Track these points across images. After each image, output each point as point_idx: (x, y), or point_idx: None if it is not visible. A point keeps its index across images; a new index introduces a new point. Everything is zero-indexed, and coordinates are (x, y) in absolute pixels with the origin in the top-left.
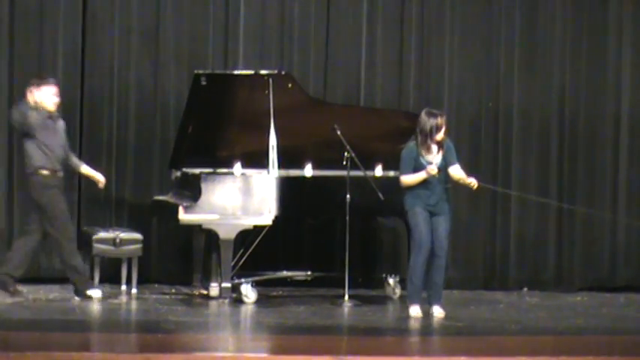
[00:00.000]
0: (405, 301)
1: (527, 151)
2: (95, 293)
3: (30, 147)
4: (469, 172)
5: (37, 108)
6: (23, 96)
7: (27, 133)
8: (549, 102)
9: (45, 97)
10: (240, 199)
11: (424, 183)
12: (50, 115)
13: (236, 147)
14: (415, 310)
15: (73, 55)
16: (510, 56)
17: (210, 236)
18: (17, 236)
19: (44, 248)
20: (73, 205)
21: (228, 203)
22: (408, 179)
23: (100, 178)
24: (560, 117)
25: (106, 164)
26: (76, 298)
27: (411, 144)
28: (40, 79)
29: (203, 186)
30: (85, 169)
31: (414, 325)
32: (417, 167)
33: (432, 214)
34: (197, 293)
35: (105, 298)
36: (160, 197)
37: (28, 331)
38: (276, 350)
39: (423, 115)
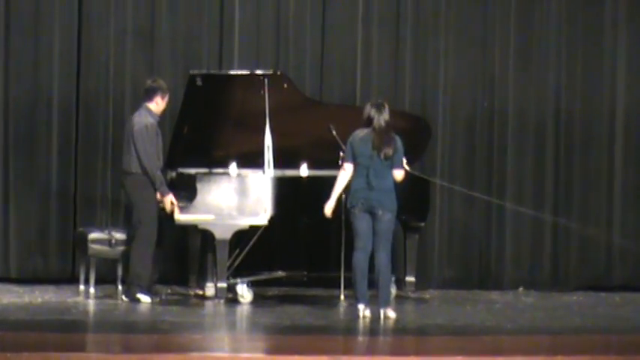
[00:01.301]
0: (401, 301)
1: (523, 151)
2: (144, 298)
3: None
4: (464, 173)
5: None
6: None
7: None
8: (545, 102)
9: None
10: (236, 199)
11: None
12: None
13: (231, 147)
14: None
15: (68, 55)
16: (505, 56)
17: (205, 236)
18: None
19: (40, 249)
20: (69, 205)
21: (224, 203)
22: (402, 175)
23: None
24: (556, 117)
25: (102, 164)
26: (124, 298)
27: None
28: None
29: (199, 186)
30: None
31: (411, 325)
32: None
33: None
34: (193, 293)
35: (154, 303)
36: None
37: (24, 331)
38: (272, 350)
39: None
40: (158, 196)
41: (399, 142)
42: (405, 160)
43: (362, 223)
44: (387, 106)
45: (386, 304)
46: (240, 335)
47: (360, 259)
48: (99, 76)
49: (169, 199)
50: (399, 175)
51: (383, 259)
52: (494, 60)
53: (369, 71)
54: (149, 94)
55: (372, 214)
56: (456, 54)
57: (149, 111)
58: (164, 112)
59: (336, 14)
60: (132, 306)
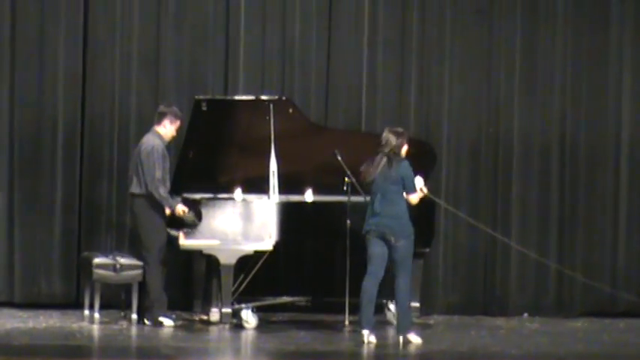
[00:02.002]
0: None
1: (528, 176)
2: (167, 321)
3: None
4: (469, 198)
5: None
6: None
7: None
8: (550, 127)
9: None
10: (241, 224)
11: None
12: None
13: (237, 172)
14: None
15: (73, 80)
16: (510, 81)
17: (210, 261)
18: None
19: (44, 274)
20: (73, 229)
21: (229, 228)
22: (417, 199)
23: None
24: (561, 142)
25: (107, 189)
26: (147, 323)
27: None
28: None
29: (204, 211)
30: None
31: (415, 351)
32: None
33: None
34: (198, 319)
35: (176, 326)
36: None
37: (28, 356)
38: None
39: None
40: (169, 211)
41: (403, 166)
42: (421, 182)
43: (374, 249)
44: (388, 134)
45: (405, 330)
46: None
47: (368, 284)
48: (104, 100)
49: (180, 209)
50: (412, 199)
51: (400, 285)
52: (499, 85)
53: (375, 96)
54: (159, 118)
55: (385, 240)
56: (461, 79)
57: (157, 134)
58: (173, 138)
59: (342, 39)
60: (136, 331)
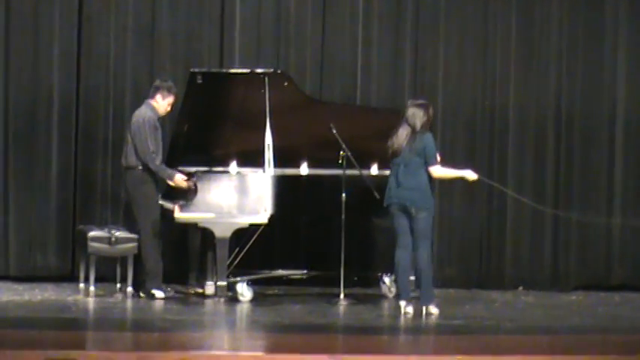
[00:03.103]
0: (399, 307)
1: (523, 150)
2: (159, 293)
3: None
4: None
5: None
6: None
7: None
8: (545, 101)
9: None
10: (236, 197)
11: None
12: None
13: (232, 146)
14: None
15: (68, 54)
16: (506, 56)
17: (205, 235)
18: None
19: (40, 247)
20: (68, 203)
21: (224, 202)
22: (447, 172)
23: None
24: (556, 116)
25: (102, 162)
26: (141, 294)
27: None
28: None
29: (199, 184)
30: None
31: (409, 324)
32: None
33: None
34: (193, 292)
35: (168, 297)
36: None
37: (23, 329)
38: (271, 349)
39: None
40: (171, 183)
41: (426, 138)
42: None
43: (399, 221)
44: (414, 107)
45: (427, 301)
46: (239, 333)
47: (400, 256)
48: (99, 73)
49: (180, 179)
50: (433, 172)
51: (421, 257)
52: (495, 59)
53: (370, 70)
54: (153, 92)
55: (407, 212)
56: (457, 53)
57: (150, 106)
58: (167, 113)
59: (337, 12)
60: (131, 304)
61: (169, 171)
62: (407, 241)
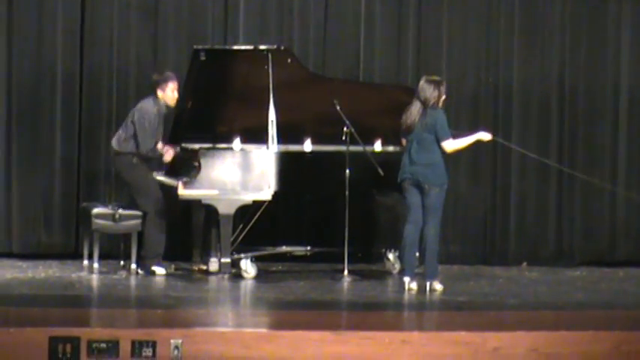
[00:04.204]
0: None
1: (527, 126)
2: (159, 270)
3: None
4: (468, 150)
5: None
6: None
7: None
8: (549, 77)
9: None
10: (240, 174)
11: None
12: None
13: (235, 122)
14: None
15: (72, 31)
16: (510, 31)
17: (209, 211)
18: None
19: (44, 224)
20: (72, 180)
21: (228, 178)
22: (461, 143)
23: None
24: (560, 92)
25: (106, 139)
26: (139, 271)
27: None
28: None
29: (202, 161)
30: None
31: (413, 299)
32: None
33: None
34: (197, 268)
35: (168, 274)
36: (159, 177)
37: (27, 306)
38: (275, 325)
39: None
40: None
41: (436, 114)
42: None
43: (411, 197)
44: (425, 83)
45: (431, 277)
46: (244, 310)
47: (409, 231)
48: (102, 51)
49: (165, 150)
50: (445, 147)
51: (428, 232)
52: (499, 36)
53: (372, 46)
54: (153, 87)
55: (419, 187)
56: (460, 29)
57: (155, 99)
58: (175, 98)
59: None
60: (135, 281)
61: (158, 151)
62: (417, 216)
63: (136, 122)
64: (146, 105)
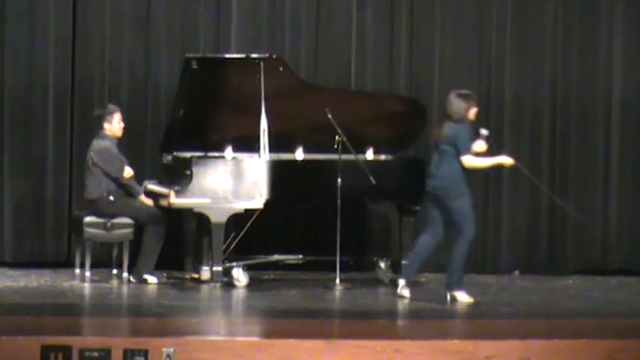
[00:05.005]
0: (396, 285)
1: (519, 135)
2: (152, 279)
3: None
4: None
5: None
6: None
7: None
8: (541, 86)
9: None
10: (232, 182)
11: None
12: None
13: (227, 131)
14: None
15: (63, 40)
16: (501, 40)
17: (201, 220)
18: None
19: (35, 233)
20: (64, 188)
21: (220, 187)
22: (481, 162)
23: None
24: (552, 101)
25: None
26: (131, 279)
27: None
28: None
29: (194, 170)
30: None
31: (405, 308)
32: None
33: None
34: (188, 277)
35: (161, 283)
36: (151, 186)
37: (20, 315)
38: (267, 334)
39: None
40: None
41: (458, 128)
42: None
43: (428, 210)
44: (452, 96)
45: (451, 287)
46: (235, 319)
47: (421, 240)
48: (94, 60)
49: (144, 199)
50: (464, 162)
51: (455, 247)
52: (491, 44)
53: (364, 55)
54: (99, 122)
55: (439, 202)
56: (452, 38)
57: (103, 136)
58: (123, 129)
59: None
60: (127, 289)
61: (137, 187)
62: (433, 229)
63: (99, 162)
64: (99, 144)
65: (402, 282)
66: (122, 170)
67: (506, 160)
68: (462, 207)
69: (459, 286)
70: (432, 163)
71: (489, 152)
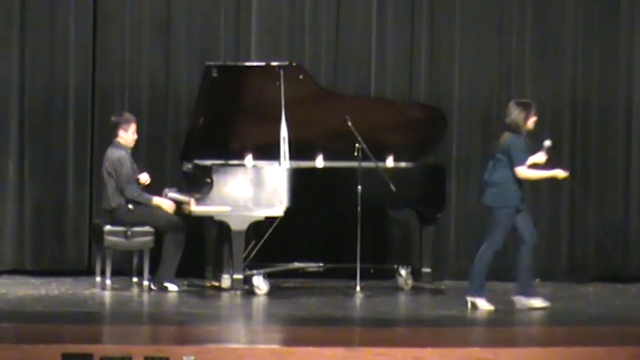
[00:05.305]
0: (417, 292)
1: (539, 140)
2: (172, 286)
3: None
4: (480, 164)
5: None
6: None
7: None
8: (561, 92)
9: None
10: (252, 190)
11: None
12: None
13: (247, 139)
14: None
15: (84, 48)
16: (522, 46)
17: (221, 228)
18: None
19: (56, 241)
20: (85, 196)
21: (240, 195)
22: (534, 174)
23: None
24: (572, 106)
25: None
26: (152, 287)
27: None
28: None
29: (215, 178)
30: None
31: (426, 316)
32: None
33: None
34: (209, 285)
35: (181, 291)
36: (172, 194)
37: (40, 323)
38: (288, 342)
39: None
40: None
41: (514, 138)
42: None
43: (488, 218)
44: (511, 104)
45: (471, 294)
46: (256, 326)
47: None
48: (115, 66)
49: (160, 203)
50: (517, 173)
51: (481, 251)
52: (511, 50)
53: (384, 62)
54: (114, 130)
55: (489, 208)
56: (472, 44)
57: (117, 145)
58: (136, 141)
59: (351, 5)
60: (148, 297)
61: (146, 196)
62: (523, 234)
63: (114, 172)
64: (113, 153)
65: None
66: (132, 191)
67: (560, 173)
68: (501, 217)
69: (480, 293)
70: (486, 171)
71: (549, 163)
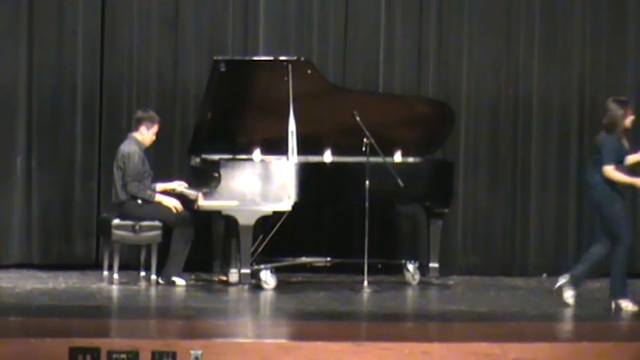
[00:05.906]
0: (425, 287)
1: (547, 138)
2: (180, 281)
3: None
4: (488, 160)
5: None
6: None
7: None
8: (569, 89)
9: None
10: (260, 185)
11: None
12: None
13: (255, 133)
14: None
15: (92, 43)
16: (530, 43)
17: (229, 222)
18: None
19: (64, 235)
20: (92, 191)
21: (248, 189)
22: (618, 177)
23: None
24: (580, 104)
25: None
26: (160, 281)
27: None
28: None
29: (222, 172)
30: None
31: (433, 311)
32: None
33: None
34: (217, 279)
35: (189, 285)
36: (180, 189)
37: (47, 317)
38: (295, 336)
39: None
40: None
41: (607, 137)
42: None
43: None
44: (610, 104)
45: (615, 296)
46: (263, 321)
47: (592, 247)
48: (123, 61)
49: (163, 200)
50: (604, 172)
51: (613, 252)
52: (519, 47)
53: (392, 57)
54: (136, 124)
55: (596, 209)
56: (480, 40)
57: (134, 140)
58: (153, 142)
59: (360, 0)
60: (155, 291)
61: (148, 192)
62: (598, 235)
63: (122, 165)
64: (126, 148)
65: (569, 292)
66: (134, 189)
67: (637, 182)
68: (614, 213)
69: (623, 295)
70: (586, 172)
71: None
